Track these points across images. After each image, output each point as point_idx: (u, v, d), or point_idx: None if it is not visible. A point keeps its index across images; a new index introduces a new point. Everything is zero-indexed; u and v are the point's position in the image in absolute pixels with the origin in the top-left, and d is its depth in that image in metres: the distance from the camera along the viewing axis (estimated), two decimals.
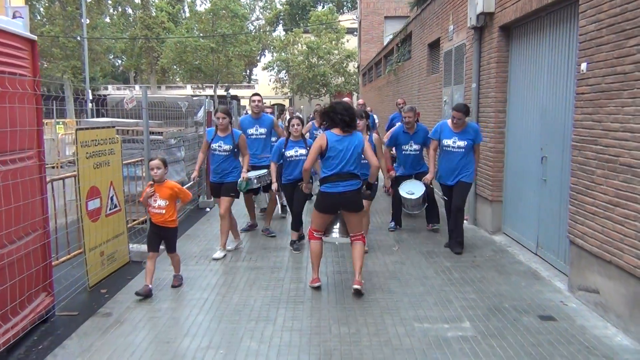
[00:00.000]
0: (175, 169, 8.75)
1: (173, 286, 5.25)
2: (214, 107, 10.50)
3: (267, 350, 3.87)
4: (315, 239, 5.17)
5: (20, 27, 4.34)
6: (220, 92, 48.63)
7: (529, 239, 6.45)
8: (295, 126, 6.57)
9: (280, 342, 4.00)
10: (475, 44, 7.71)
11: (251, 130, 7.50)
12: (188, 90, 55.12)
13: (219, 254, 6.33)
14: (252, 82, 66.35)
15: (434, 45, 11.13)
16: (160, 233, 5.21)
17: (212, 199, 7.90)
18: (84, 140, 5.44)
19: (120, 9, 57.08)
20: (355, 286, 4.90)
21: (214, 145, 6.45)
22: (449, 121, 6.50)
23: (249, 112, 8.04)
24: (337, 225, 5.23)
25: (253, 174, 6.94)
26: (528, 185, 6.41)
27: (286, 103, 56.85)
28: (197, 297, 4.97)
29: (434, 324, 4.33)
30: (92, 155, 5.59)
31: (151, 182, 5.18)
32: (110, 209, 5.95)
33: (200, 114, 10.39)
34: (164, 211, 5.10)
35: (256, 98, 7.59)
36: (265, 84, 56.96)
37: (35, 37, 4.52)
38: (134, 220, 7.55)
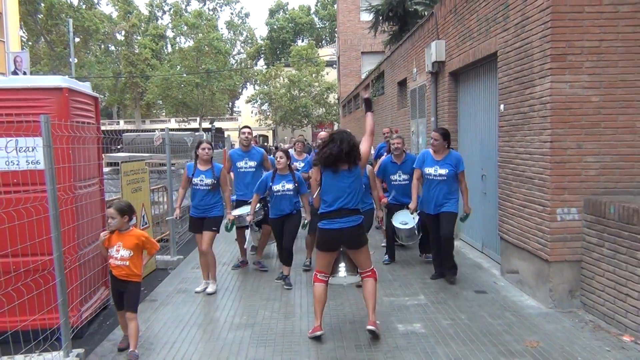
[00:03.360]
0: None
1: None
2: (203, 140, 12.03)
3: (277, 316, 5.41)
4: (319, 281, 4.84)
5: (88, 88, 5.92)
6: (205, 125, 50.25)
7: (477, 241, 8.08)
8: (279, 159, 6.40)
9: (287, 311, 5.54)
10: (432, 85, 9.47)
11: (240, 164, 7.32)
12: (172, 124, 56.57)
13: (202, 287, 6.37)
14: (235, 114, 68.18)
15: (402, 84, 12.92)
16: (122, 289, 4.53)
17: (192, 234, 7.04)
18: (126, 171, 6.98)
19: (103, 46, 58.82)
20: (370, 327, 4.67)
21: (196, 180, 6.29)
22: (430, 149, 6.62)
23: (237, 145, 7.91)
24: (343, 264, 4.98)
25: (245, 211, 6.84)
26: (474, 199, 8.03)
27: (269, 134, 58.72)
28: (219, 288, 6.46)
29: (397, 297, 5.90)
30: (130, 182, 7.13)
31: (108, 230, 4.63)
32: (142, 226, 7.45)
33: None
34: (127, 263, 4.45)
35: (246, 130, 7.43)
36: (248, 115, 58.85)
37: (97, 95, 6.11)
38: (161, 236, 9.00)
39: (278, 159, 6.39)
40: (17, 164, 5.01)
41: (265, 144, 48.81)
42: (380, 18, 17.59)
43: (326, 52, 49.72)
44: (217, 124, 51.79)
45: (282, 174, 6.44)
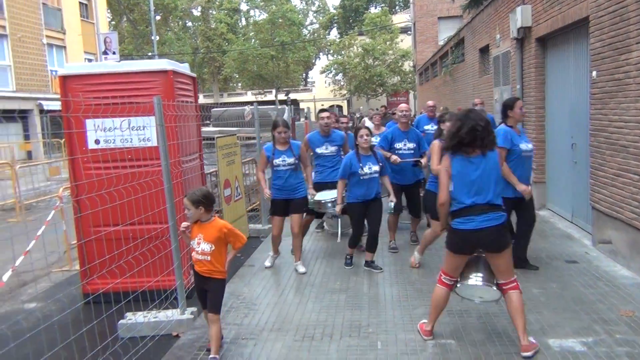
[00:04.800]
0: None
1: None
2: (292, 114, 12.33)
3: (368, 282, 5.70)
4: (443, 284, 4.19)
5: (187, 69, 6.34)
6: (281, 97, 51.05)
7: (566, 211, 7.97)
8: (365, 137, 5.89)
9: (377, 278, 5.82)
10: (517, 52, 9.26)
11: (321, 150, 6.98)
12: (249, 96, 57.79)
13: (301, 268, 6.20)
14: (309, 85, 68.55)
15: (484, 50, 12.65)
16: (205, 286, 4.12)
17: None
18: (221, 145, 7.42)
19: (181, 23, 60.61)
20: (526, 354, 3.89)
21: (277, 161, 6.06)
22: (508, 123, 5.64)
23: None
24: (479, 273, 4.14)
25: (328, 196, 6.52)
26: (563, 168, 7.93)
27: (344, 104, 58.77)
28: (308, 257, 6.82)
29: None
30: (224, 156, 7.58)
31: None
32: (236, 197, 7.93)
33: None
34: (209, 257, 4.03)
35: (324, 115, 6.99)
36: (322, 86, 59.12)
37: (195, 75, 6.52)
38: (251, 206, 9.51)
39: (364, 137, 5.88)
40: (131, 142, 5.52)
41: (348, 119, 48.84)
42: None
43: (400, 19, 48.77)
44: (292, 96, 52.53)
45: (365, 154, 5.96)
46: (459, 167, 3.95)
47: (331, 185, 6.63)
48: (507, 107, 5.63)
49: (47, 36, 26.93)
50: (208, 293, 4.11)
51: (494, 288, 4.08)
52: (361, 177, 5.87)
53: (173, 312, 4.75)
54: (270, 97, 54.24)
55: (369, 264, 6.13)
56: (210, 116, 11.00)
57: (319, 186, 6.82)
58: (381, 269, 6.07)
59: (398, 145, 6.77)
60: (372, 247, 6.10)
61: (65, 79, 5.49)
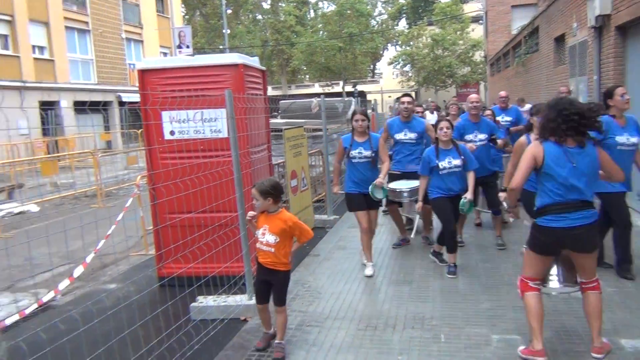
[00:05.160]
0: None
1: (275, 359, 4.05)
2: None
3: (433, 274, 5.70)
4: (531, 289, 3.85)
5: (257, 62, 6.51)
6: (348, 88, 51.02)
7: None
8: (445, 130, 5.64)
9: (441, 271, 5.79)
10: (595, 41, 8.86)
11: (399, 135, 6.66)
12: (316, 88, 58.13)
13: (370, 270, 5.85)
14: (376, 76, 68.08)
15: (560, 39, 12.16)
16: (268, 278, 4.08)
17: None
18: (288, 137, 7.59)
19: (251, 16, 61.76)
20: (597, 355, 3.76)
21: (354, 153, 5.83)
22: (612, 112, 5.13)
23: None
24: (556, 272, 4.04)
25: (404, 185, 6.35)
26: None
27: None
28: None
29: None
30: (292, 147, 7.74)
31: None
32: (302, 188, 8.08)
33: (351, 112, 12.38)
34: (273, 249, 3.99)
35: (405, 100, 6.68)
36: (389, 78, 58.58)
37: (264, 68, 6.69)
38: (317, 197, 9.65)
39: (444, 130, 5.64)
40: (203, 133, 5.75)
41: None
42: None
43: (472, 8, 47.44)
44: (359, 87, 52.40)
45: (445, 148, 5.71)
46: (553, 157, 3.61)
47: (408, 176, 6.51)
48: (607, 95, 5.19)
49: (125, 31, 28.27)
50: (273, 286, 4.09)
51: (576, 287, 3.96)
52: (440, 172, 5.67)
53: (241, 298, 4.94)
54: (337, 89, 54.33)
55: (436, 254, 6.06)
56: (278, 108, 11.22)
57: (396, 176, 6.63)
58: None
59: (469, 136, 6.60)
60: (444, 241, 5.89)
61: (143, 73, 5.79)
